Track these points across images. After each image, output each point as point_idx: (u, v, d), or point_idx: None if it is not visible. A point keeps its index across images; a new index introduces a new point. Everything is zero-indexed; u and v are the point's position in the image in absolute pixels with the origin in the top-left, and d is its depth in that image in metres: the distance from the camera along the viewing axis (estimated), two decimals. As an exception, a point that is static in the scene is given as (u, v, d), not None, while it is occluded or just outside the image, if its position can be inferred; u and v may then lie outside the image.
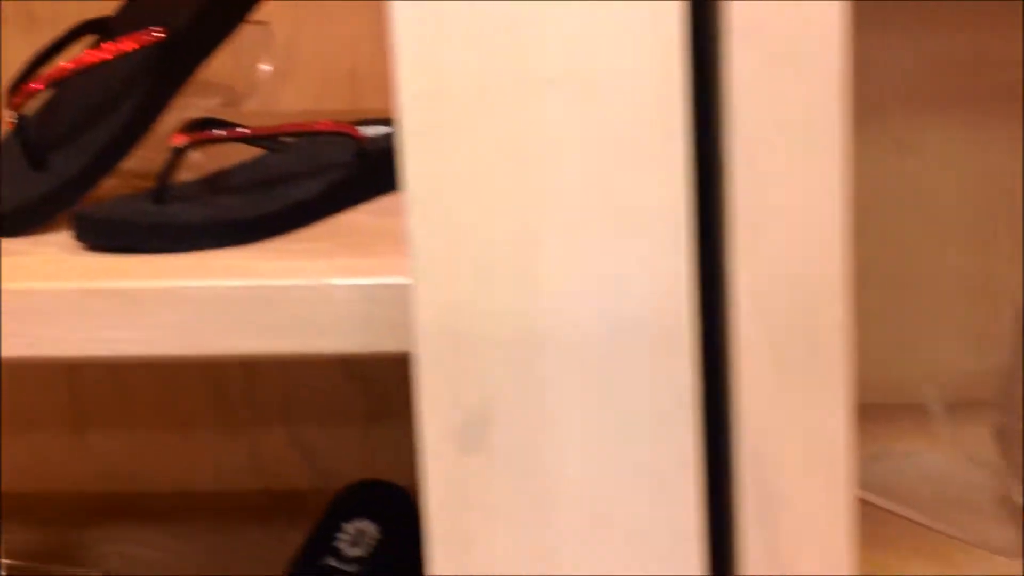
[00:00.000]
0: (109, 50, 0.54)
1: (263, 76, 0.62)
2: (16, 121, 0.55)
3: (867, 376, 0.83)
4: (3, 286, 0.47)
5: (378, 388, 0.90)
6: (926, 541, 0.63)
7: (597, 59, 0.43)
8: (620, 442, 0.46)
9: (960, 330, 0.80)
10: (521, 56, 0.42)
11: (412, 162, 0.44)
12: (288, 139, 0.57)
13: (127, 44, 0.54)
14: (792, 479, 0.47)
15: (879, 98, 0.80)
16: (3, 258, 0.50)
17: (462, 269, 0.44)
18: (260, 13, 0.58)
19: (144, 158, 0.57)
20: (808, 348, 0.46)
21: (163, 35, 0.54)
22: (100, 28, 0.59)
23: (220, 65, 0.57)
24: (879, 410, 0.75)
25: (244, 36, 0.58)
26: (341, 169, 0.55)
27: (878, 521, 0.65)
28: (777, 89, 0.44)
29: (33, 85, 0.55)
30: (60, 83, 0.55)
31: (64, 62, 0.55)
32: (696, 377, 0.46)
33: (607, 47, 0.43)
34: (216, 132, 0.54)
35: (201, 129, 0.54)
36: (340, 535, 0.65)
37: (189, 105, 0.57)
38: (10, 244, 0.53)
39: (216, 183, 0.56)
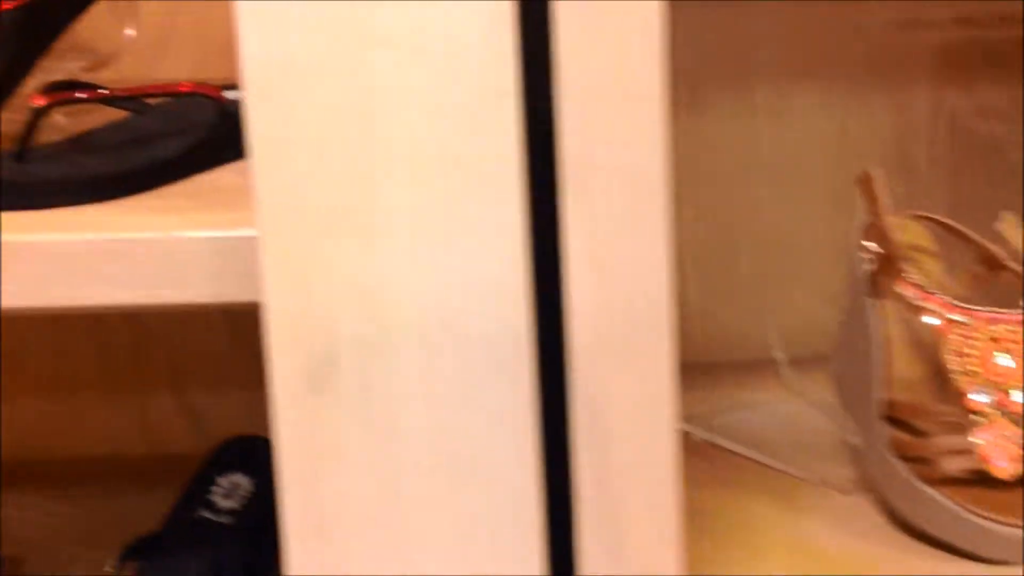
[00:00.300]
0: (-28, 13, 0.55)
1: (127, 41, 0.64)
2: None
3: (729, 333, 0.87)
4: None
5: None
6: (771, 482, 0.67)
7: (430, 23, 0.46)
8: (461, 383, 0.49)
9: (819, 288, 0.85)
10: (355, 20, 0.45)
11: (255, 121, 0.46)
12: (151, 101, 0.59)
13: (-10, 7, 0.55)
14: (620, 415, 0.50)
15: (746, 66, 0.84)
16: None
17: (305, 221, 0.47)
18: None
19: (10, 120, 0.58)
20: (635, 299, 0.50)
21: (26, -1, 0.56)
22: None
23: (84, 29, 0.59)
24: (740, 365, 0.79)
25: (109, 1, 0.60)
26: (203, 129, 0.57)
27: (730, 465, 0.69)
28: (600, 48, 0.47)
29: None
30: (-76, 47, 0.56)
31: (-73, 26, 0.56)
32: (532, 323, 0.49)
33: (441, 11, 0.46)
34: (77, 94, 0.55)
35: (62, 91, 0.55)
36: (214, 488, 0.67)
37: (53, 69, 0.58)
38: None
39: (79, 143, 0.57)
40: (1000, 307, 0.61)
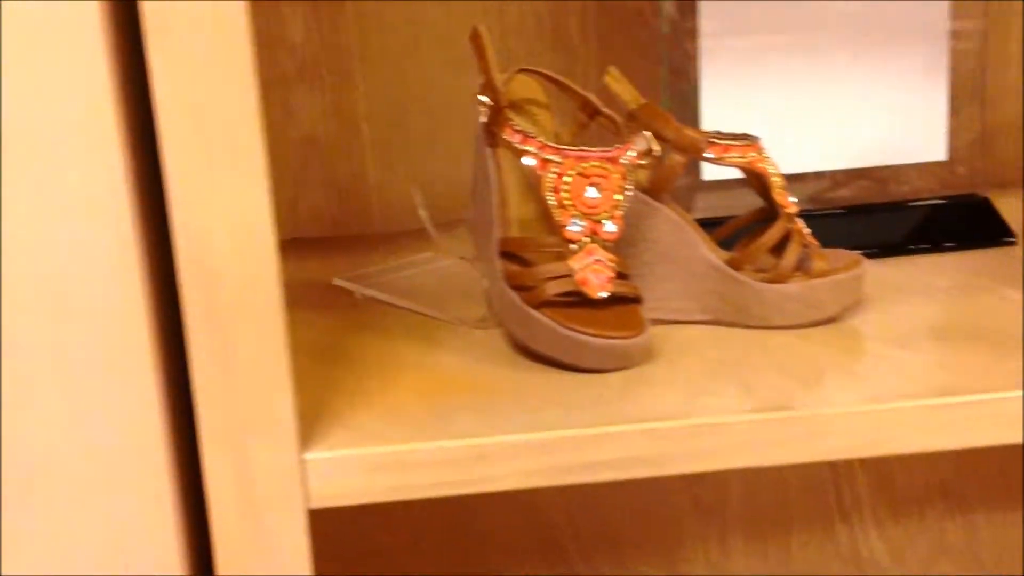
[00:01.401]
0: None
1: None
2: None
3: (398, 207, 0.92)
4: None
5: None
6: (417, 326, 0.73)
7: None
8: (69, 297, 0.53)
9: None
10: None
11: None
12: None
13: None
14: (223, 258, 0.55)
15: None
16: None
17: None
18: None
19: None
20: (230, 141, 0.54)
21: None
22: None
23: None
24: (407, 233, 0.84)
25: None
26: None
27: (384, 315, 0.75)
28: None
29: None
30: None
31: None
32: (129, 167, 0.53)
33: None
34: None
35: None
36: None
37: None
38: None
39: None
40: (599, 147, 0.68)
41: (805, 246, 0.71)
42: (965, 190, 0.89)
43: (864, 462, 1.00)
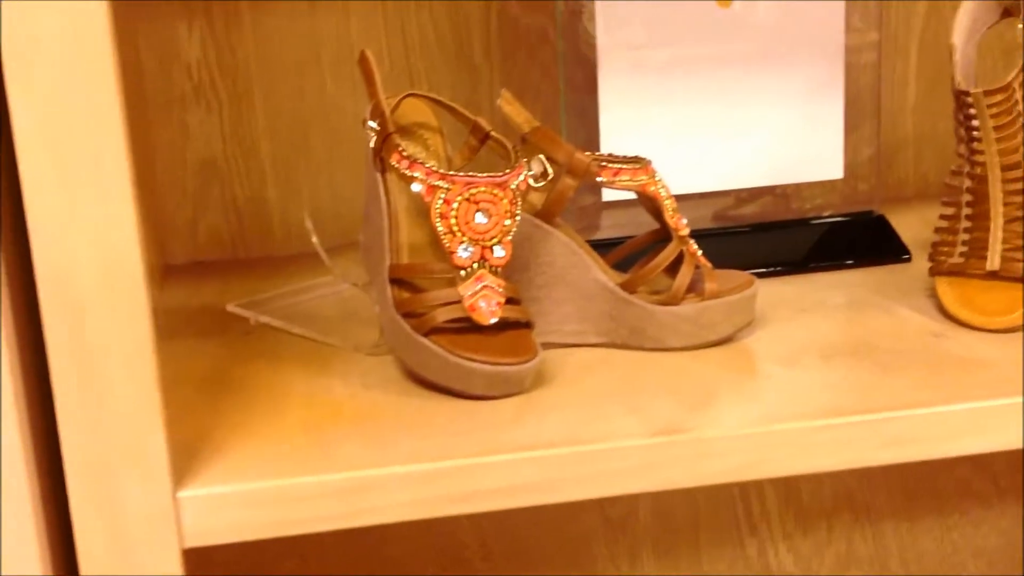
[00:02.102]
0: None
1: None
2: None
3: (299, 228, 0.91)
4: None
5: None
6: (310, 352, 0.72)
7: None
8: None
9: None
10: None
11: None
12: None
13: None
14: (88, 291, 0.53)
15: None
16: None
17: None
18: None
19: None
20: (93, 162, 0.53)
21: None
22: None
23: None
24: (310, 255, 0.83)
25: None
26: None
27: (278, 342, 0.74)
28: None
29: None
30: None
31: None
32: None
33: None
34: None
35: None
36: None
37: None
38: None
39: None
40: (491, 172, 0.68)
41: (698, 267, 0.72)
42: (863, 207, 0.90)
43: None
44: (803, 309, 0.77)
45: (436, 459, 0.59)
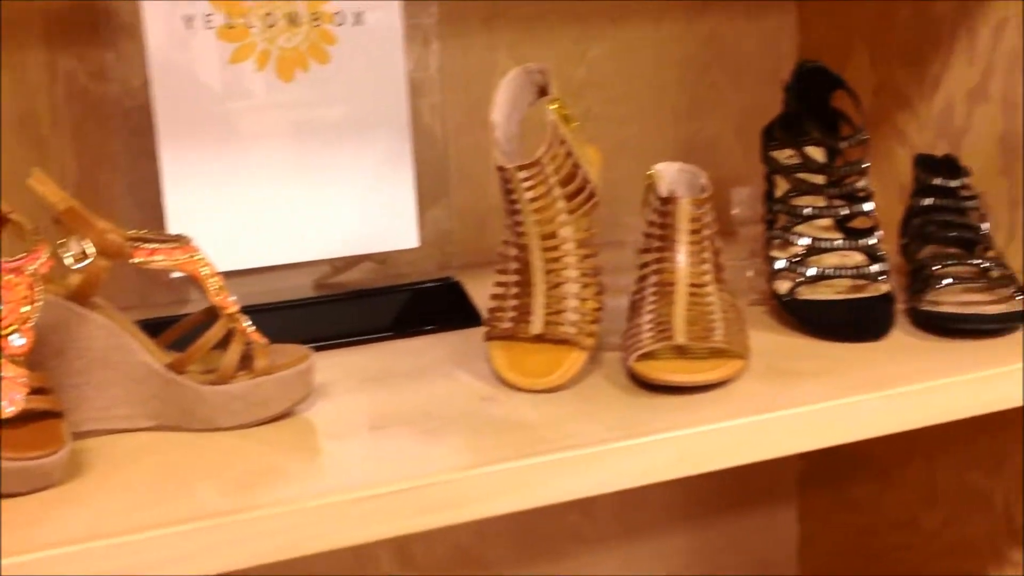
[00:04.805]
0: None
1: None
2: None
3: None
4: None
5: None
6: None
7: None
8: None
9: None
10: None
11: None
12: None
13: None
14: None
15: None
16: None
17: None
18: None
19: None
20: None
21: None
22: None
23: None
24: None
25: None
26: None
27: None
28: None
29: None
30: None
31: None
32: None
33: None
34: None
35: None
36: None
37: None
38: None
39: None
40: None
41: (248, 343, 0.71)
42: (446, 273, 0.93)
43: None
44: (369, 378, 0.78)
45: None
